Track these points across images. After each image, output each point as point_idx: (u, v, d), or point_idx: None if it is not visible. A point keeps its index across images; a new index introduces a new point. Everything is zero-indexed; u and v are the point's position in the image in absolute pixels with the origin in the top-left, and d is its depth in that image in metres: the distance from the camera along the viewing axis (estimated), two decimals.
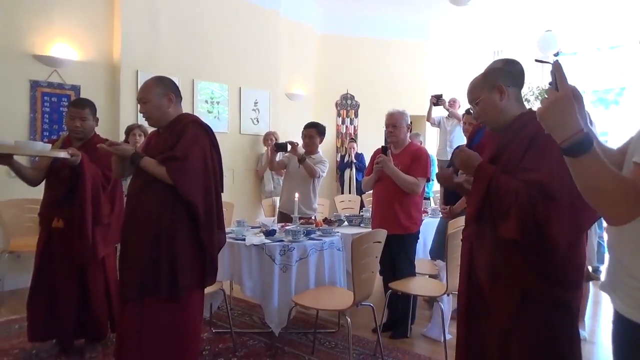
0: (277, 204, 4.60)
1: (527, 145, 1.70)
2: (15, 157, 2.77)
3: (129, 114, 5.10)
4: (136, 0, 5.15)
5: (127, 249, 2.31)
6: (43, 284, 2.96)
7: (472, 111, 1.95)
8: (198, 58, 5.73)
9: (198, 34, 5.72)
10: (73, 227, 2.85)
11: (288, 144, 4.12)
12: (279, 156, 4.44)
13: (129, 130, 4.43)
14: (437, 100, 6.09)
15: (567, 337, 1.71)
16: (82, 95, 4.69)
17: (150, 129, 2.74)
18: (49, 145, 2.82)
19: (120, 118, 5.03)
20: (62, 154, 2.72)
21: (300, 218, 3.75)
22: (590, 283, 3.78)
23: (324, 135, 4.38)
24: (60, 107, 4.77)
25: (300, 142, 4.26)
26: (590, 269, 4.33)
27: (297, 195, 3.77)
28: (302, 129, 4.34)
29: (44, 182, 3.01)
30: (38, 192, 3.17)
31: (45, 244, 2.96)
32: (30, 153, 2.83)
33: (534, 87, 7.84)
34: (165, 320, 2.22)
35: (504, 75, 1.84)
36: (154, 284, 2.19)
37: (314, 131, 4.25)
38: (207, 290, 2.57)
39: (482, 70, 2.00)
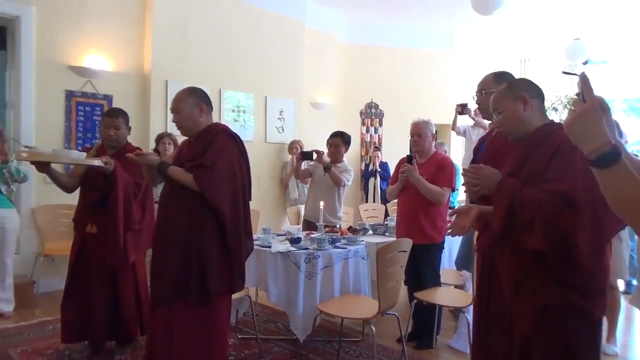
0: (302, 212, 4.64)
1: (550, 156, 1.70)
2: (52, 164, 2.89)
3: (159, 122, 5.23)
4: (166, 13, 5.30)
5: (158, 255, 2.38)
6: (76, 287, 3.06)
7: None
8: (225, 68, 5.85)
9: (225, 44, 5.84)
10: (105, 233, 2.95)
11: (314, 152, 4.16)
12: (304, 164, 4.48)
13: (159, 139, 4.54)
14: (462, 109, 6.04)
15: (585, 347, 1.70)
16: (114, 105, 4.85)
17: (180, 138, 2.81)
18: (84, 154, 2.93)
19: (150, 127, 5.17)
20: (96, 162, 2.82)
21: (325, 226, 3.77)
22: (622, 297, 3.69)
23: (349, 144, 4.41)
24: (94, 116, 4.93)
25: (325, 150, 4.30)
26: (622, 283, 4.23)
27: (322, 203, 3.81)
28: (328, 138, 4.39)
29: (78, 188, 3.13)
30: (71, 198, 3.29)
31: (79, 249, 3.06)
32: (66, 161, 2.94)
33: (562, 96, 7.72)
34: (194, 324, 2.27)
35: (528, 86, 1.86)
36: (184, 290, 2.25)
37: (339, 140, 4.29)
38: (234, 296, 2.61)
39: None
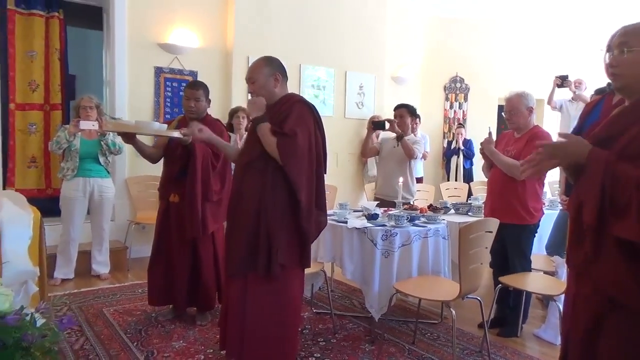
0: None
1: None
2: (138, 136, 3.01)
3: (240, 97, 5.32)
4: None
5: (231, 226, 2.39)
6: (161, 254, 3.22)
7: (607, 55, 1.56)
8: (305, 42, 5.79)
9: (306, 19, 5.77)
10: (186, 203, 3.04)
11: (386, 122, 4.08)
12: (376, 141, 4.40)
13: (233, 113, 4.61)
14: (562, 81, 5.53)
15: None
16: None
17: None
18: (165, 125, 3.03)
19: (232, 101, 5.27)
20: (176, 134, 2.90)
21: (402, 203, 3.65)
22: None
23: (415, 116, 4.33)
24: (180, 91, 5.11)
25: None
26: None
27: (400, 179, 3.67)
28: (393, 110, 4.33)
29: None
30: (160, 170, 3.42)
31: (163, 217, 3.21)
32: (148, 132, 3.03)
33: None
34: (266, 296, 2.26)
35: None
36: (254, 261, 2.24)
37: (404, 110, 4.20)
38: (309, 270, 2.58)
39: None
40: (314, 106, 2.37)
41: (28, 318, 1.30)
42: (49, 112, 4.87)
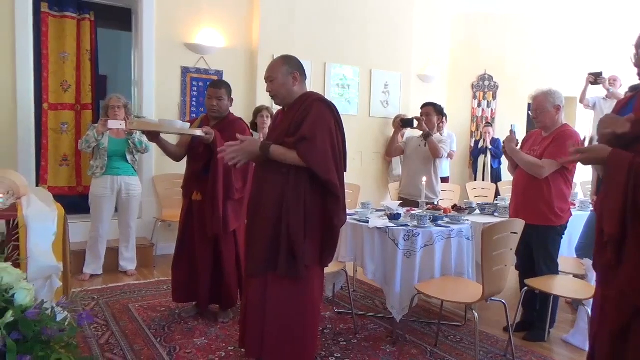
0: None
1: None
2: (162, 134, 3.05)
3: (265, 96, 5.31)
4: None
5: (252, 225, 2.40)
6: (184, 252, 3.26)
7: (634, 55, 1.53)
8: (331, 41, 5.77)
9: (331, 17, 5.75)
10: (208, 201, 3.07)
11: (415, 119, 4.06)
12: (403, 139, 4.37)
13: (257, 112, 4.64)
14: (595, 79, 5.35)
15: None
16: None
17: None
18: (188, 124, 3.06)
19: (257, 100, 5.30)
20: (198, 132, 2.93)
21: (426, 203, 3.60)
22: None
23: (442, 115, 4.30)
24: (206, 91, 5.17)
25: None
26: None
27: (424, 179, 3.63)
28: (420, 109, 4.31)
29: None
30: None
31: (186, 215, 3.25)
32: (171, 131, 3.06)
33: None
34: (286, 295, 2.26)
35: None
36: (275, 261, 2.24)
37: (431, 109, 4.16)
38: (330, 270, 2.57)
39: None
40: (333, 104, 2.36)
41: (48, 312, 1.34)
42: (80, 111, 5.00)
